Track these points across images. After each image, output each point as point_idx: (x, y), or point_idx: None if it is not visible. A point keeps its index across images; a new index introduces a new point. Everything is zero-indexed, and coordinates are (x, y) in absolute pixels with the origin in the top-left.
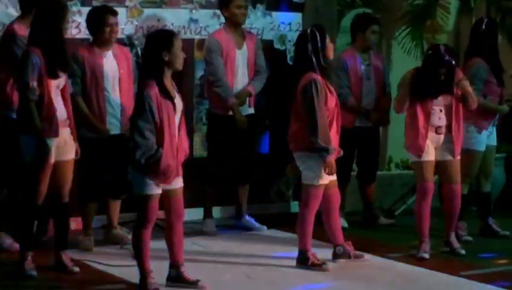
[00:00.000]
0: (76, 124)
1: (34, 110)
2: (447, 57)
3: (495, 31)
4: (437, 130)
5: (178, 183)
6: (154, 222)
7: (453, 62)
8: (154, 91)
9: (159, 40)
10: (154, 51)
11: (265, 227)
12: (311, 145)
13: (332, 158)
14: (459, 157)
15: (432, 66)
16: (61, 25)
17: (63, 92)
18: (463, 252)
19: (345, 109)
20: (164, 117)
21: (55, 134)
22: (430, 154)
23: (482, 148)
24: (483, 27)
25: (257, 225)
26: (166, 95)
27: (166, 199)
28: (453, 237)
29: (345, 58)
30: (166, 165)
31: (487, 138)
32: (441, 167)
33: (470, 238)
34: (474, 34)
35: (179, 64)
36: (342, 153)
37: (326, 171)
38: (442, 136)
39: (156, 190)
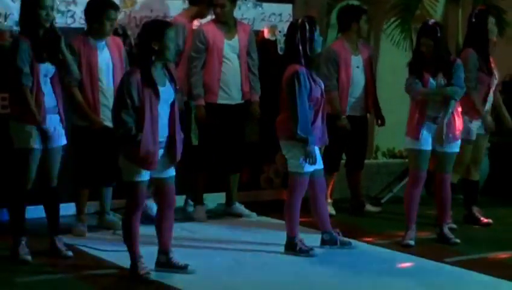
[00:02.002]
0: (71, 113)
1: (29, 95)
2: (430, 23)
3: (485, 21)
4: (435, 120)
5: (170, 172)
6: (142, 207)
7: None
8: (135, 77)
9: (151, 30)
10: (145, 40)
11: (254, 214)
12: (295, 134)
13: (312, 148)
14: (454, 149)
15: (420, 35)
16: (39, 11)
17: (53, 80)
18: (458, 241)
19: (327, 100)
20: (145, 103)
21: (42, 122)
22: (425, 144)
23: (473, 137)
24: (473, 19)
25: (247, 211)
26: (149, 83)
27: (158, 187)
28: (446, 229)
29: (335, 49)
30: (146, 151)
31: (478, 127)
32: (436, 156)
33: (454, 225)
34: (468, 25)
35: (170, 55)
36: (327, 142)
37: (307, 161)
38: (439, 127)
39: (144, 177)
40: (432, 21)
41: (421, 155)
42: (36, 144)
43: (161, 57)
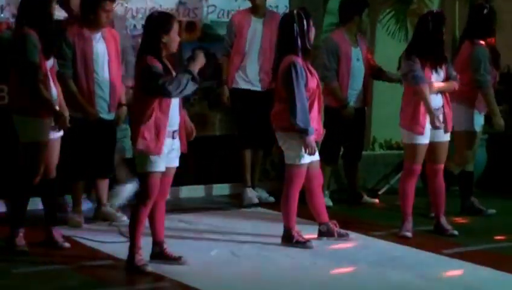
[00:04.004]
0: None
1: (43, 88)
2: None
3: (494, 16)
4: (435, 112)
5: (175, 162)
6: (154, 199)
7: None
8: (157, 64)
9: (159, 23)
10: (154, 33)
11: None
12: (292, 126)
13: (312, 139)
14: (449, 138)
15: (437, 26)
16: (51, 5)
17: (51, 72)
18: (456, 233)
19: (328, 91)
20: None
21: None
22: (426, 137)
23: (480, 129)
24: (485, 12)
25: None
26: (167, 70)
27: None
28: (443, 219)
29: (336, 40)
30: (149, 135)
31: None
32: (431, 147)
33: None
34: (475, 17)
35: (174, 47)
36: (324, 133)
37: (307, 151)
38: (440, 118)
39: (159, 168)
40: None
41: (422, 149)
42: (47, 137)
43: (168, 48)
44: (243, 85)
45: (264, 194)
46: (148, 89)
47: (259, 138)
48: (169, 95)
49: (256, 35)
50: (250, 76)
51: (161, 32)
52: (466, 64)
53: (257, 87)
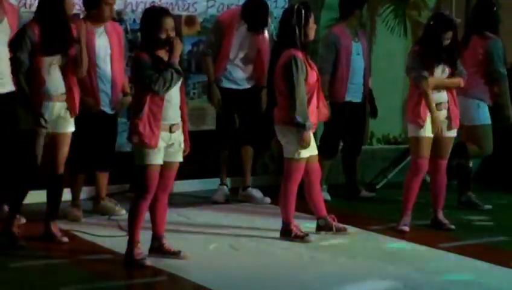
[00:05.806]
0: None
1: (23, 81)
2: (454, 20)
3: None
4: (437, 106)
5: (176, 157)
6: (153, 192)
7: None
8: (145, 58)
9: (152, 18)
10: (147, 28)
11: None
12: (291, 120)
13: (309, 134)
14: (455, 134)
15: (440, 28)
16: (64, 3)
17: (65, 68)
18: (453, 227)
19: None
20: None
21: (39, 105)
22: (429, 130)
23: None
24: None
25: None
26: (158, 63)
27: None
28: (441, 214)
29: (337, 34)
30: (143, 129)
31: None
32: (435, 142)
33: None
34: (483, 11)
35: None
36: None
37: (302, 145)
38: (443, 112)
39: (156, 160)
40: (447, 12)
41: (426, 142)
42: (41, 125)
43: (165, 45)
44: (226, 84)
45: (259, 194)
46: (137, 84)
47: (247, 135)
48: (157, 94)
49: (244, 42)
50: (234, 76)
51: (157, 30)
52: (480, 58)
53: (242, 86)
